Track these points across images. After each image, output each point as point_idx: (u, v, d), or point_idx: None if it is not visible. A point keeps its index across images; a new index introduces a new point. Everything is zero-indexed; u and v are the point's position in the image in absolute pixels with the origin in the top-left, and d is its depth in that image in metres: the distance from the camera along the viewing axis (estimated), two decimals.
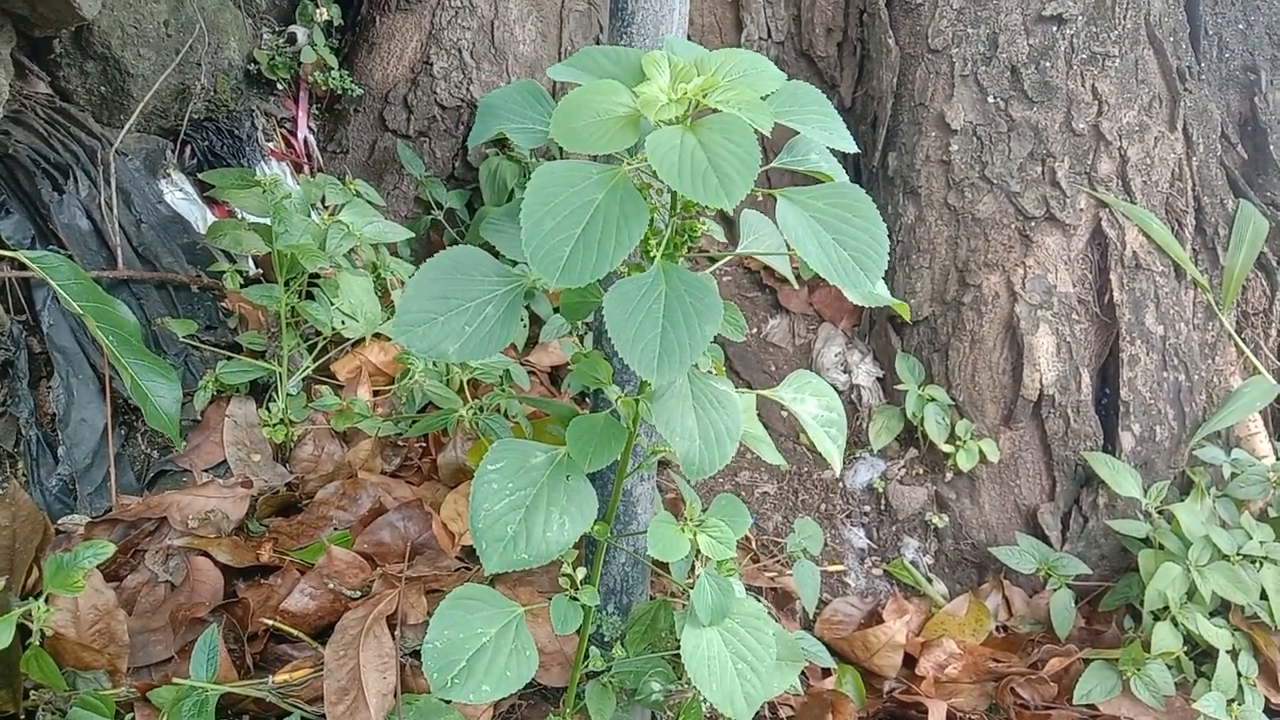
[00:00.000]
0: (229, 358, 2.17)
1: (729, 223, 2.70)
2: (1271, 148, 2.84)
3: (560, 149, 2.74)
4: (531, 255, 1.04)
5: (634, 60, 1.22)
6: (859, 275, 1.10)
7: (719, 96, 1.11)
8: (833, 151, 1.30)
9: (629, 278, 1.10)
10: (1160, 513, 2.43)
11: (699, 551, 1.37)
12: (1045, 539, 2.51)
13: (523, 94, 1.31)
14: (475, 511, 1.19)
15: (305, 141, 2.75)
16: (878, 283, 1.20)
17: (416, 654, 1.70)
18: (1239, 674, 2.22)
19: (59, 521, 1.95)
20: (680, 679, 1.67)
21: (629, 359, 1.04)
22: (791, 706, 2.02)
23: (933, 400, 2.57)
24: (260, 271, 2.41)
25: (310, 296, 2.18)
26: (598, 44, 2.92)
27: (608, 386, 1.39)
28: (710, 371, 1.26)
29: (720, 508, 1.41)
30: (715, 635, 1.36)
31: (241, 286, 2.18)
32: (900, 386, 2.61)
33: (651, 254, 1.16)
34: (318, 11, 2.70)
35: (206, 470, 2.11)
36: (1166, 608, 2.25)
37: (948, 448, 2.54)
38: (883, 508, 2.58)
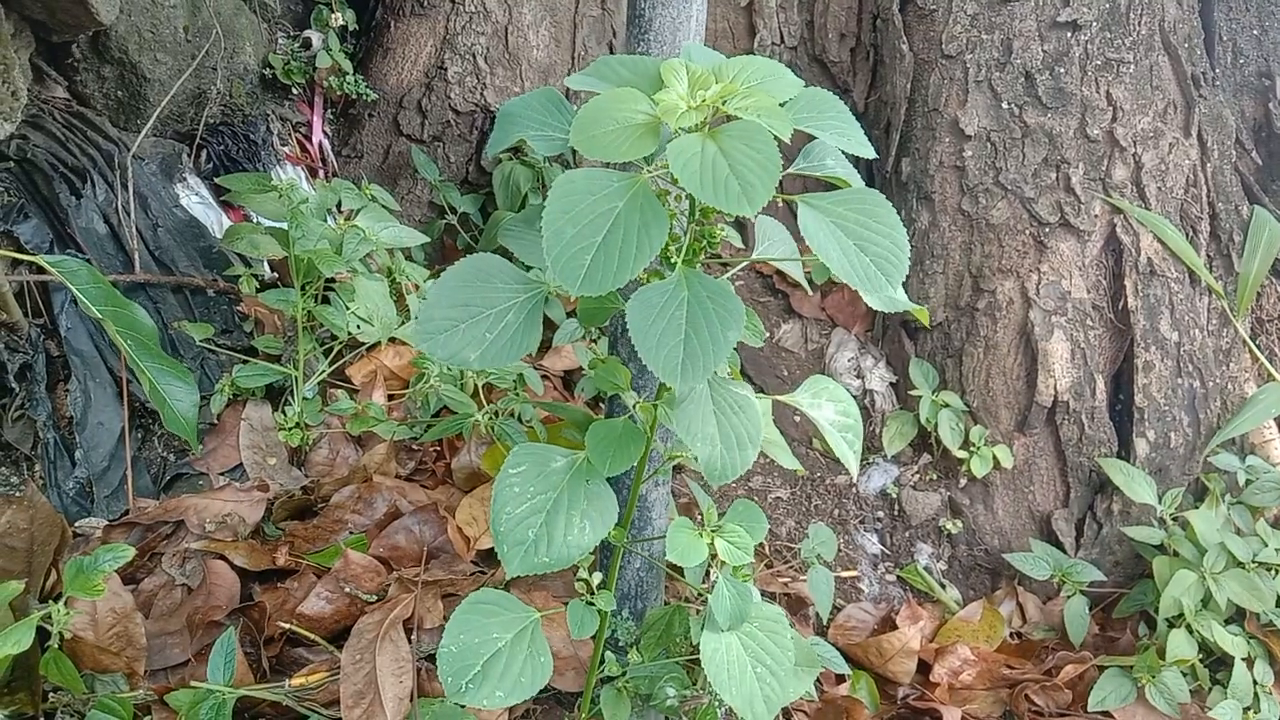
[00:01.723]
0: (245, 361, 2.18)
1: (742, 228, 2.70)
2: None
3: (574, 154, 2.75)
4: (553, 264, 1.04)
5: (652, 68, 1.22)
6: (881, 280, 1.11)
7: (738, 103, 1.11)
8: (848, 157, 1.31)
9: (651, 285, 1.10)
10: (1175, 519, 2.42)
11: (715, 556, 1.37)
12: (1059, 545, 2.51)
13: (542, 102, 1.32)
14: (497, 515, 1.19)
15: (320, 146, 2.76)
16: (896, 290, 1.21)
17: (432, 658, 1.70)
18: (1255, 682, 2.21)
19: (76, 524, 1.96)
20: (695, 684, 1.67)
21: (653, 365, 1.04)
22: (806, 712, 2.02)
23: (946, 406, 2.57)
24: (276, 276, 2.42)
25: (326, 301, 2.19)
26: (611, 49, 2.93)
27: (626, 392, 1.39)
28: (730, 377, 1.27)
29: (738, 513, 1.41)
30: (734, 639, 1.36)
31: (257, 291, 2.19)
32: (914, 392, 2.60)
33: (672, 260, 1.17)
34: (333, 16, 2.71)
35: (223, 474, 2.12)
36: (1181, 615, 2.24)
37: (961, 453, 2.54)
38: (896, 513, 2.58)
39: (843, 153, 1.30)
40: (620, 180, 1.08)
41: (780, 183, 1.04)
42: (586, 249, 1.03)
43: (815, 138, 1.25)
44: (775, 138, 1.06)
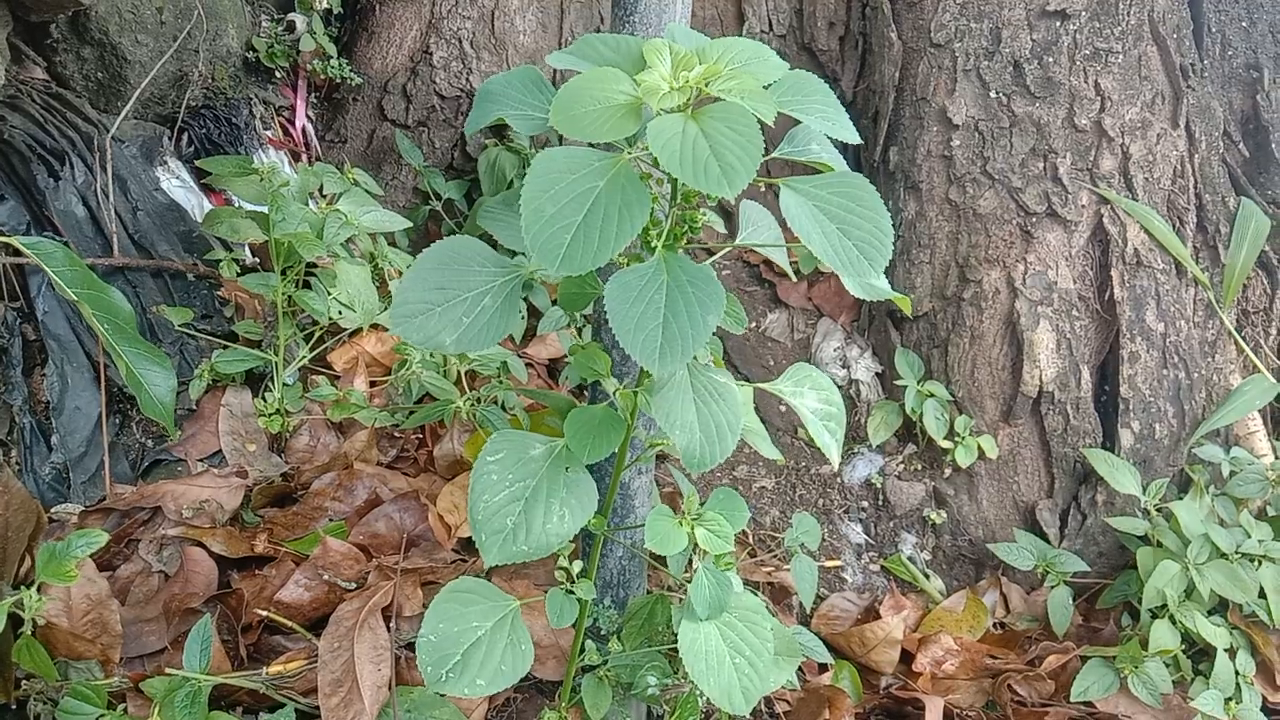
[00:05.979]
0: (225, 347, 2.16)
1: (728, 216, 2.69)
2: (1273, 146, 2.83)
3: (559, 138, 2.73)
4: (531, 243, 1.02)
5: (634, 48, 1.21)
6: (863, 265, 1.09)
7: (721, 85, 1.09)
8: (834, 144, 1.29)
9: (630, 267, 1.08)
10: (1159, 510, 2.42)
11: (696, 545, 1.36)
12: (1043, 536, 2.51)
13: (523, 81, 1.30)
14: (475, 503, 1.18)
15: (303, 130, 2.73)
16: (879, 276, 1.19)
17: (412, 646, 1.69)
18: (1237, 672, 2.21)
19: (52, 510, 1.93)
20: (677, 673, 1.66)
21: (630, 349, 1.02)
22: (788, 702, 2.01)
23: (932, 396, 2.56)
24: (257, 260, 2.40)
25: (307, 286, 2.17)
26: None
27: (606, 378, 1.38)
28: (710, 364, 1.25)
29: (718, 501, 1.40)
30: (713, 629, 1.35)
31: (238, 275, 2.17)
32: (899, 382, 2.60)
33: (652, 244, 1.15)
34: None
35: (201, 460, 2.09)
36: (1165, 605, 2.24)
37: (946, 444, 2.53)
38: (881, 503, 2.57)
39: (829, 139, 1.29)
40: (601, 160, 1.06)
41: (768, 168, 1.03)
42: (566, 228, 1.01)
43: (800, 122, 1.24)
44: (759, 121, 1.05)
